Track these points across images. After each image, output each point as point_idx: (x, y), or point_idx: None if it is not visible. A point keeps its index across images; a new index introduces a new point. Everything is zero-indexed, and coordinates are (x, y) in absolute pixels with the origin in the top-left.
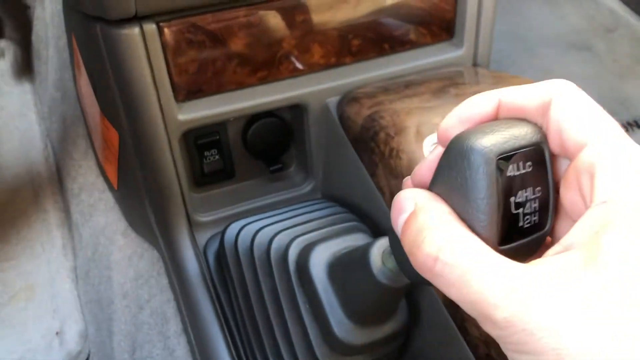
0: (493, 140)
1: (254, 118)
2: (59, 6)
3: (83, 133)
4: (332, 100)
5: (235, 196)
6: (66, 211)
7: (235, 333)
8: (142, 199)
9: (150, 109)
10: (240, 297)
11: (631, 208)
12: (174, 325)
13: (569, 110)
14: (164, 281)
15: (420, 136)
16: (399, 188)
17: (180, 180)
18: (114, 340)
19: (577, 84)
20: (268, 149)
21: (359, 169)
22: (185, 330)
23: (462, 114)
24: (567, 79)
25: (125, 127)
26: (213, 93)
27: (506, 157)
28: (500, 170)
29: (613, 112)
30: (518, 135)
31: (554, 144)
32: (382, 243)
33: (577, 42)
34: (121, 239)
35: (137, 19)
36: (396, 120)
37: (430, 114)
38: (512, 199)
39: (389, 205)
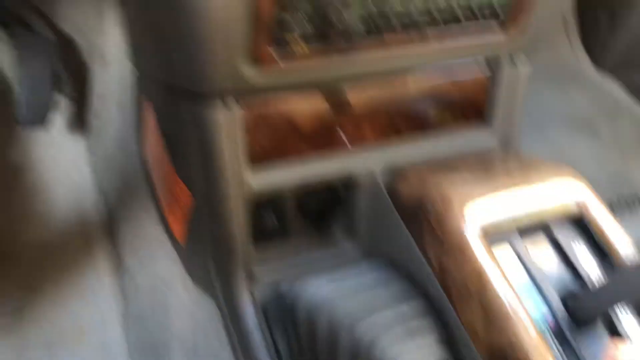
0: None
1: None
2: (125, 71)
3: (142, 187)
4: (380, 174)
5: (289, 255)
6: (118, 260)
7: None
8: (206, 253)
9: (229, 179)
10: None
11: None
12: None
13: None
14: (222, 331)
15: (462, 206)
16: (446, 256)
17: (245, 240)
18: None
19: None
20: (319, 213)
21: (406, 238)
22: None
23: None
24: (574, 159)
25: (202, 193)
26: (282, 166)
27: None
28: None
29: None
30: None
31: None
32: None
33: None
34: (180, 288)
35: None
36: (442, 192)
37: (471, 185)
38: None
39: (437, 275)
